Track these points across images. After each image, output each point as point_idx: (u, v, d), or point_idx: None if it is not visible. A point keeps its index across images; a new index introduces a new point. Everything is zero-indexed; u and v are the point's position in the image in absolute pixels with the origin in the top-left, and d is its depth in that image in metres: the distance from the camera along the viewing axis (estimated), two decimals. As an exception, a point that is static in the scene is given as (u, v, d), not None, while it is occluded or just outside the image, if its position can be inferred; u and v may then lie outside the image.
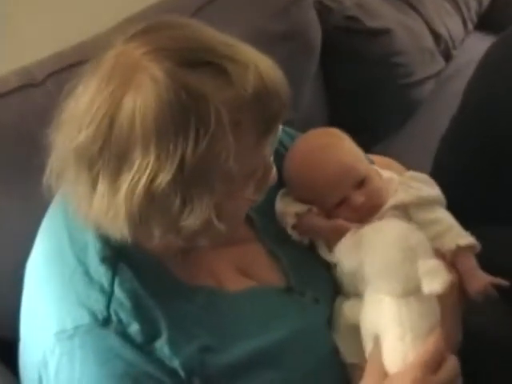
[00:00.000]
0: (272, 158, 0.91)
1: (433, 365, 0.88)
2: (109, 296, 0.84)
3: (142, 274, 0.87)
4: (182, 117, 0.76)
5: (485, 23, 2.24)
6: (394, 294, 0.90)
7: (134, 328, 0.82)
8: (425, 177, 1.09)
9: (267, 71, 0.82)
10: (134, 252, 0.87)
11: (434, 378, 0.88)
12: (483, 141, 1.36)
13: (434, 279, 0.88)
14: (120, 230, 0.82)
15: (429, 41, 1.96)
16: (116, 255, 0.87)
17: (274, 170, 0.92)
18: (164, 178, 0.77)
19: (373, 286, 0.93)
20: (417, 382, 0.87)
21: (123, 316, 0.83)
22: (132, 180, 0.78)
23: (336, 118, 1.76)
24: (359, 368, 0.95)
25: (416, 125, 1.95)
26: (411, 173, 1.10)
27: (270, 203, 1.05)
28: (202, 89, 0.77)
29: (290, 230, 1.03)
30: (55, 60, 1.28)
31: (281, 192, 1.06)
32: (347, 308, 0.99)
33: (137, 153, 0.78)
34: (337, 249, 0.97)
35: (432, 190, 1.06)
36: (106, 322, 0.82)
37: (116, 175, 0.80)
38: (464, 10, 2.13)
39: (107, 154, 0.79)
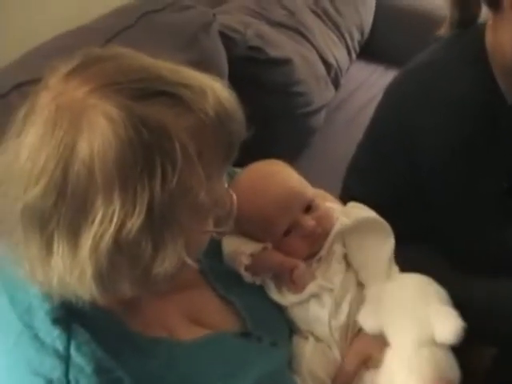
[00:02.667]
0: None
1: None
2: (66, 361, 0.75)
3: (99, 333, 0.78)
4: (145, 155, 0.70)
5: (366, 52, 2.34)
6: (409, 341, 0.89)
7: None
8: (364, 206, 1.09)
9: (223, 94, 0.77)
10: (85, 309, 0.78)
11: None
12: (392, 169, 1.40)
13: (446, 326, 0.87)
14: (89, 289, 0.74)
15: (321, 69, 2.01)
16: (68, 315, 0.78)
17: (234, 196, 0.86)
18: (133, 226, 0.70)
19: (390, 333, 0.92)
20: None
21: (84, 382, 0.74)
22: (96, 234, 0.70)
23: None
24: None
25: (312, 153, 1.99)
26: (352, 203, 1.10)
27: (216, 244, 0.99)
28: (162, 120, 0.71)
29: (242, 272, 0.99)
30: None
31: None
32: (309, 352, 0.97)
33: (98, 203, 0.70)
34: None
35: (371, 213, 1.07)
36: None
37: (76, 232, 0.71)
38: (348, 39, 2.21)
39: (63, 209, 0.71)
